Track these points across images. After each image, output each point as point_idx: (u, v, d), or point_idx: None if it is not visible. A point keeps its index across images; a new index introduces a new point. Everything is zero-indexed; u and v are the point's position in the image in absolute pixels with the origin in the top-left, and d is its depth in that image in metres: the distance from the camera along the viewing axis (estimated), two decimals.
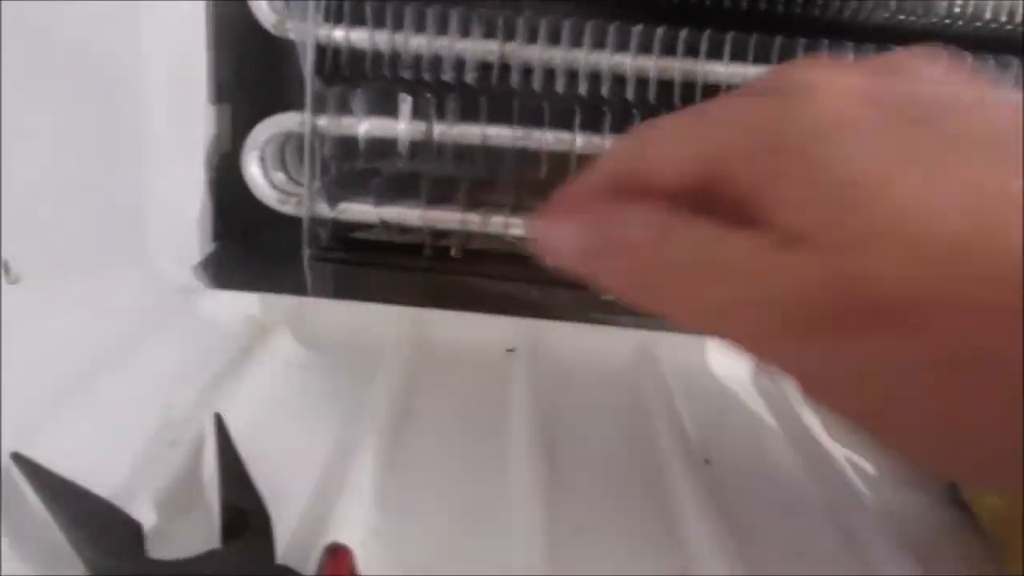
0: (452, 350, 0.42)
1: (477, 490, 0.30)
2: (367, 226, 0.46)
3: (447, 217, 0.44)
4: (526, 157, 0.43)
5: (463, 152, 0.43)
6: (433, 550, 0.27)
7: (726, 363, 0.42)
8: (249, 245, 0.48)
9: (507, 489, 0.30)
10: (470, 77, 0.43)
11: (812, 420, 0.37)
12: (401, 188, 0.45)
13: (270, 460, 0.29)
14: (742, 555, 0.27)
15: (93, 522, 0.21)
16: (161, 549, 0.23)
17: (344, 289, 0.46)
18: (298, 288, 0.45)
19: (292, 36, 0.42)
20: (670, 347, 0.42)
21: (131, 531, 0.22)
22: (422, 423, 0.35)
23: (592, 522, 0.29)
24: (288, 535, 0.26)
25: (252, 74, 0.47)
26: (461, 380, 0.39)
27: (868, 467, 0.34)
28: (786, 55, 0.42)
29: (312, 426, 0.33)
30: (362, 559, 0.24)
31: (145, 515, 0.25)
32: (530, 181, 0.44)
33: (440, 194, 0.44)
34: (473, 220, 0.43)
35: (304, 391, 0.37)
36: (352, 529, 0.26)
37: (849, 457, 0.35)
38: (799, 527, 0.30)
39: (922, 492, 0.33)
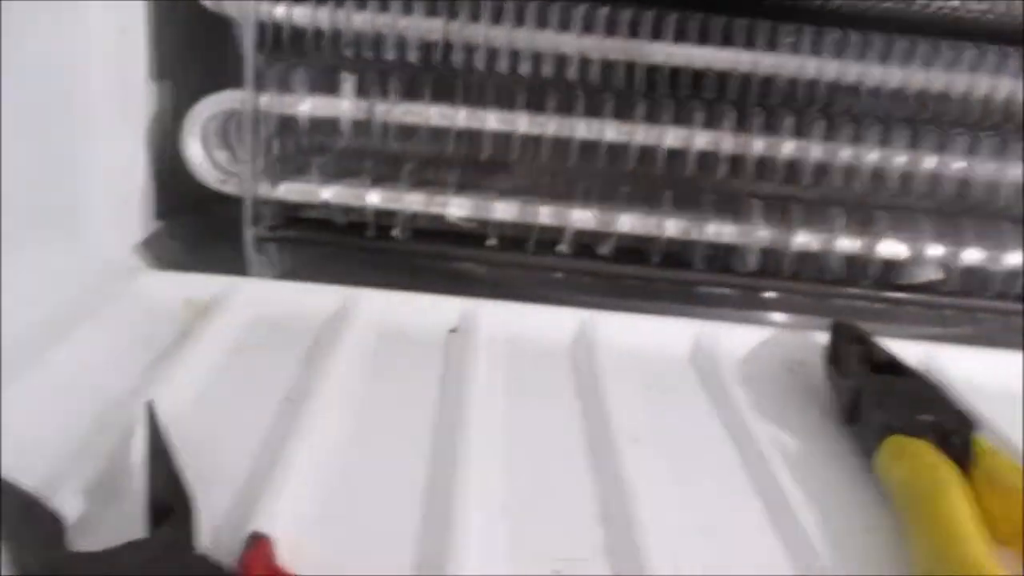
0: (396, 330, 0.42)
1: (414, 473, 0.31)
2: (312, 205, 0.46)
3: (390, 196, 0.44)
4: (470, 136, 0.43)
5: (407, 131, 0.43)
6: (365, 535, 0.27)
7: (665, 343, 0.43)
8: (193, 224, 0.48)
9: (444, 472, 0.31)
10: (413, 56, 0.43)
11: (743, 400, 0.38)
12: (346, 167, 0.45)
13: (205, 445, 0.30)
14: (666, 534, 0.28)
15: (14, 514, 0.21)
16: (88, 538, 0.24)
17: (288, 269, 0.46)
18: (242, 268, 0.45)
19: (231, 13, 0.42)
20: (610, 326, 0.43)
21: (52, 523, 0.22)
22: (363, 405, 0.35)
23: (518, 502, 0.30)
24: (218, 522, 0.26)
25: (195, 52, 0.47)
26: (404, 361, 0.40)
27: (791, 444, 0.35)
28: (728, 35, 0.43)
29: (250, 410, 0.34)
30: (292, 547, 0.24)
31: (73, 503, 0.25)
32: (474, 160, 0.44)
33: (385, 173, 0.44)
34: (417, 199, 0.44)
35: (244, 374, 0.37)
36: (282, 517, 0.26)
37: (775, 435, 0.36)
38: (724, 505, 0.31)
39: (839, 468, 0.34)
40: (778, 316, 0.46)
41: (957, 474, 0.30)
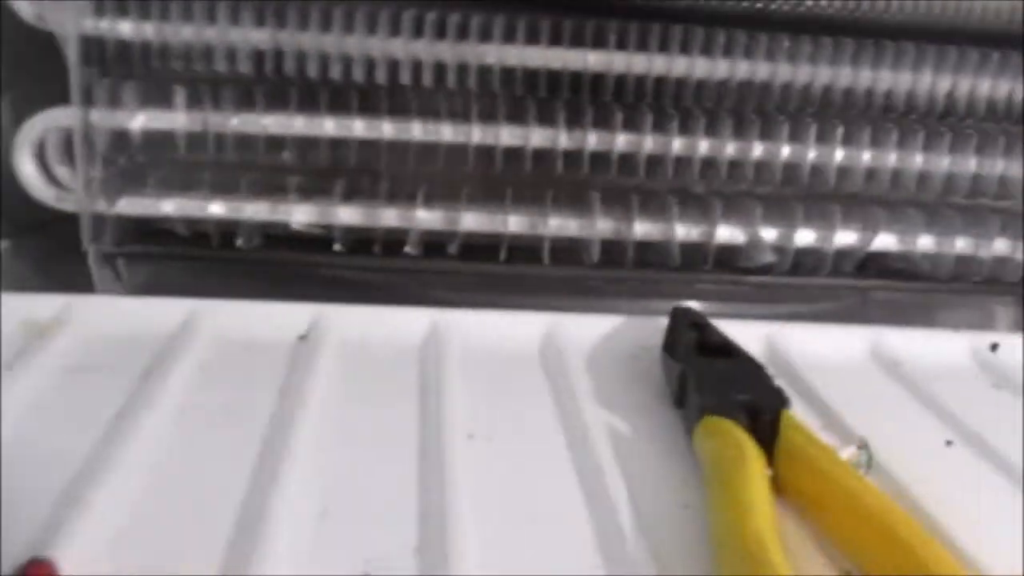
0: (243, 340, 0.42)
1: (236, 483, 0.31)
2: (159, 219, 0.45)
3: (233, 206, 0.44)
4: (308, 144, 0.44)
5: (245, 141, 0.43)
6: (173, 548, 0.27)
7: (515, 337, 0.44)
8: (42, 242, 0.47)
9: (265, 479, 0.31)
10: (245, 66, 0.43)
11: (585, 389, 0.39)
12: (189, 179, 0.45)
13: (22, 469, 0.30)
14: (481, 528, 0.29)
15: None
16: None
17: (141, 284, 0.46)
18: (90, 285, 0.44)
19: (55, 29, 0.41)
20: (461, 324, 0.44)
21: None
22: (194, 417, 0.35)
23: (338, 505, 0.30)
24: (18, 548, 0.26)
25: (37, 67, 0.46)
26: (247, 370, 0.39)
27: (623, 430, 0.37)
28: (555, 36, 0.44)
29: (76, 430, 0.33)
30: (91, 566, 0.25)
31: None
32: (314, 167, 0.44)
33: (228, 183, 0.44)
34: (260, 208, 0.44)
35: (76, 393, 0.36)
36: (85, 537, 0.26)
37: (608, 422, 0.37)
38: (546, 495, 0.32)
39: (665, 450, 0.35)
40: (625, 304, 0.48)
41: (758, 451, 0.31)
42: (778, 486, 0.32)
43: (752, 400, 0.35)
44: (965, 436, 0.38)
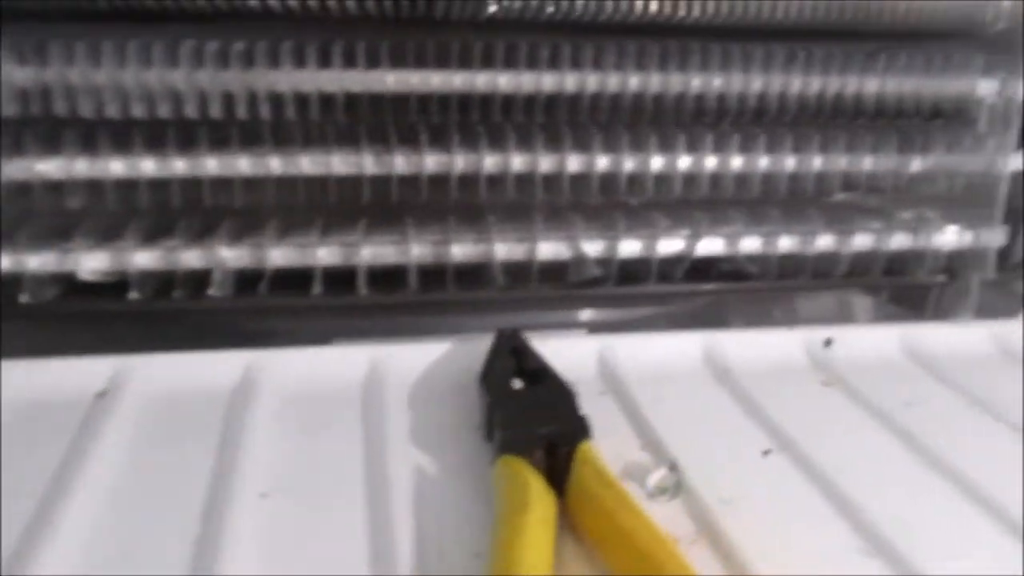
0: (33, 403, 0.39)
1: None
2: None
3: (15, 259, 0.41)
4: (93, 187, 0.41)
5: (21, 188, 0.40)
6: None
7: (338, 374, 0.42)
8: None
9: (34, 561, 0.29)
10: (9, 108, 0.40)
11: (400, 428, 0.38)
12: None
13: None
14: None
15: None
16: None
17: None
18: None
19: None
20: (278, 365, 0.41)
21: None
22: None
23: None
24: None
25: None
26: (34, 438, 0.37)
27: (431, 470, 0.35)
28: (350, 60, 0.42)
29: None
30: None
31: None
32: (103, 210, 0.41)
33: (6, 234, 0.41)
34: (45, 259, 0.41)
35: None
36: None
37: (416, 462, 0.35)
38: (331, 555, 0.31)
39: (471, 491, 0.34)
40: (457, 321, 0.46)
41: (546, 493, 0.30)
42: (571, 523, 0.31)
43: (551, 433, 0.33)
44: (783, 443, 0.38)
